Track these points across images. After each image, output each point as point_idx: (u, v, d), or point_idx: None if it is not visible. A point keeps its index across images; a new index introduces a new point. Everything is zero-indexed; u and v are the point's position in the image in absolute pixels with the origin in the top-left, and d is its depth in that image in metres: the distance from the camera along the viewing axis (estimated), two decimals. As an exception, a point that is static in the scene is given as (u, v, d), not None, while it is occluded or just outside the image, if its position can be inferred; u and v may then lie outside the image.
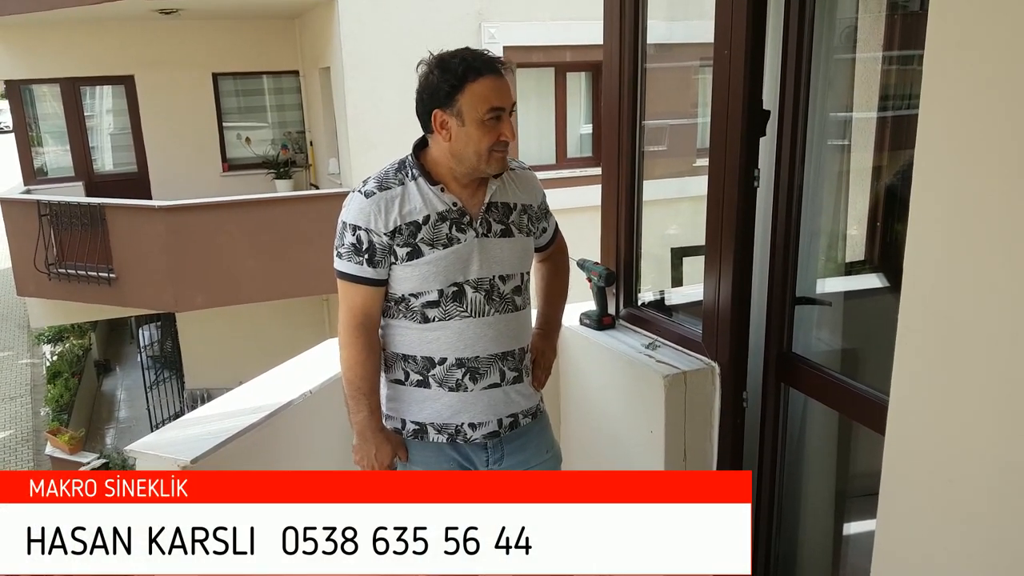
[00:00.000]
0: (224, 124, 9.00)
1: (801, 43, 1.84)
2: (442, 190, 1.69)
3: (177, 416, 10.21)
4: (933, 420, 1.35)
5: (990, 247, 1.22)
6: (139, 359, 11.92)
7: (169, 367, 11.32)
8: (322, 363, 2.25)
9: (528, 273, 1.82)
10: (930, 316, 1.34)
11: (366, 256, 1.67)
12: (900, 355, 1.40)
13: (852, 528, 2.29)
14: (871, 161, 2.21)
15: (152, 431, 10.19)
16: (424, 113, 1.66)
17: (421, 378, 1.74)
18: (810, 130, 1.91)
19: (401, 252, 1.67)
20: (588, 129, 8.26)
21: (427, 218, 1.67)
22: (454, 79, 1.61)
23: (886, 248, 2.25)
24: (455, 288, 1.69)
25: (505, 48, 7.33)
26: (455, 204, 1.69)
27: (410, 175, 1.70)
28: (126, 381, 13.23)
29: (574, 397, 2.46)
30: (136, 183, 8.83)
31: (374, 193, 1.67)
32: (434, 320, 1.71)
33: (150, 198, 8.40)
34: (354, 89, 7.21)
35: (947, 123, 1.27)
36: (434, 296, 1.69)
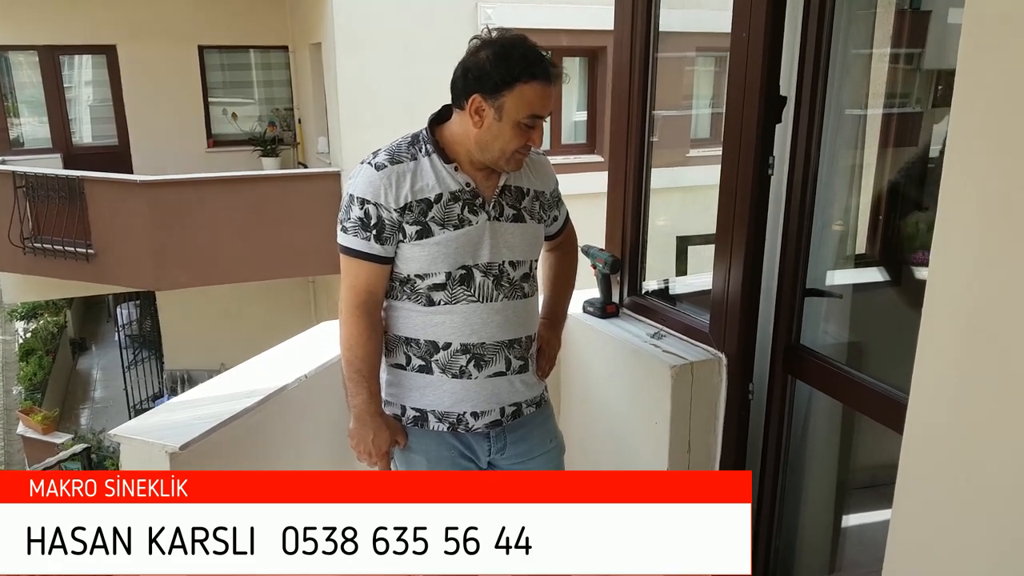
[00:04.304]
0: (210, 99, 8.80)
1: (821, 27, 1.80)
2: (456, 169, 1.62)
3: (156, 397, 10.09)
4: (954, 417, 1.31)
5: (1020, 243, 1.18)
6: (116, 338, 11.73)
7: (148, 347, 11.16)
8: (318, 346, 2.18)
9: (537, 260, 1.76)
10: (955, 313, 1.29)
11: (374, 232, 1.60)
12: (923, 351, 1.36)
13: (853, 520, 2.28)
14: (883, 153, 2.18)
15: (129, 412, 9.99)
16: (463, 91, 1.58)
17: (423, 363, 1.68)
18: (826, 119, 1.87)
19: (410, 230, 1.60)
20: (583, 116, 8.18)
21: (439, 196, 1.61)
22: (508, 74, 1.53)
23: (894, 242, 2.22)
24: (463, 271, 1.63)
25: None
26: (468, 184, 1.63)
27: (424, 150, 1.63)
28: (102, 360, 13.04)
29: (575, 386, 2.41)
30: (116, 157, 8.63)
31: (385, 166, 1.60)
32: (440, 303, 1.65)
33: (131, 172, 8.22)
34: (346, 67, 7.08)
35: (980, 117, 1.23)
36: (441, 279, 1.63)
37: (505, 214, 1.67)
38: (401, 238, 1.61)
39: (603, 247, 2.44)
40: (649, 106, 2.28)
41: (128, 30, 8.30)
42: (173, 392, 9.69)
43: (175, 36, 8.33)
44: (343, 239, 1.64)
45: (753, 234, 1.93)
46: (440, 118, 1.68)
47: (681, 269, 2.77)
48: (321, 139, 8.29)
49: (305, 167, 8.69)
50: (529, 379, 1.76)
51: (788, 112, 1.88)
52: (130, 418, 9.67)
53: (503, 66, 1.53)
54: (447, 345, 1.66)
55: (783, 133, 1.90)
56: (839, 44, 1.83)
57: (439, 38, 7.29)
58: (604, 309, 2.37)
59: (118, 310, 12.12)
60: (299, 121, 9.05)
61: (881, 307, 2.19)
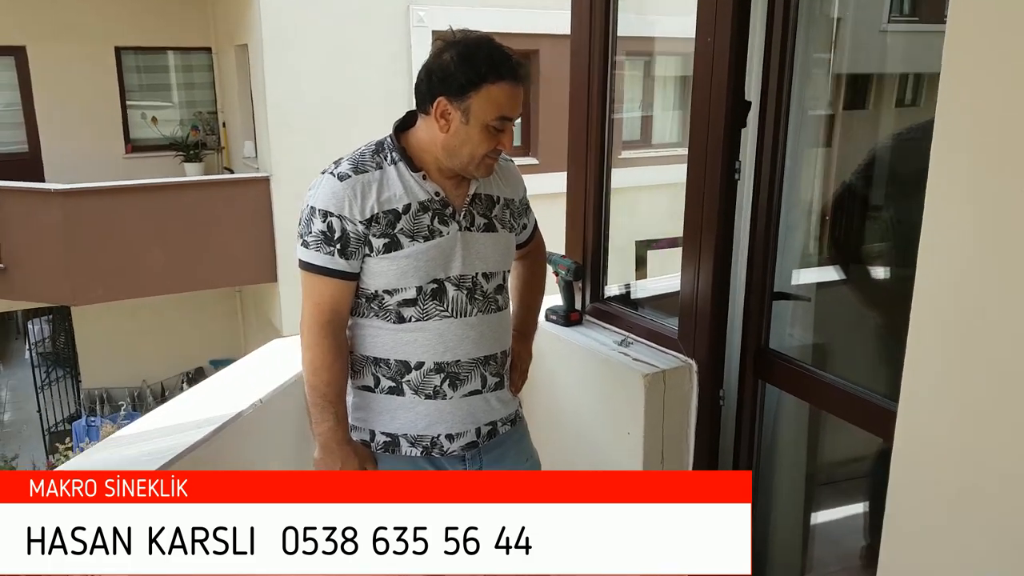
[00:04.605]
0: (128, 102, 8.35)
1: (786, 31, 1.79)
2: (424, 178, 1.54)
3: (73, 418, 9.51)
4: (947, 425, 1.30)
5: (1008, 245, 1.18)
6: (28, 356, 11.04)
7: (62, 365, 10.52)
8: (271, 367, 2.05)
9: (509, 271, 1.69)
10: (945, 317, 1.29)
11: (338, 246, 1.50)
12: (912, 357, 1.35)
13: (819, 518, 2.29)
14: (842, 156, 2.20)
15: (44, 435, 9.32)
16: (427, 94, 1.50)
17: (394, 384, 1.59)
18: (792, 123, 1.86)
19: (377, 243, 1.51)
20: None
21: (407, 207, 1.52)
22: (474, 75, 1.46)
23: (845, 242, 2.23)
24: (435, 285, 1.55)
25: (434, 32, 7.10)
26: (438, 194, 1.55)
27: (389, 159, 1.54)
28: (12, 380, 12.24)
29: (542, 397, 2.34)
30: (26, 164, 8.09)
31: (349, 176, 1.50)
32: (411, 320, 1.56)
33: (43, 181, 7.73)
34: (274, 69, 6.84)
35: (965, 119, 1.22)
36: (412, 294, 1.54)
37: (476, 224, 1.59)
38: (367, 252, 1.52)
39: (563, 253, 2.39)
40: (609, 109, 2.24)
41: (39, 30, 7.79)
42: (92, 412, 9.17)
43: (90, 37, 7.87)
44: (304, 254, 1.53)
45: (722, 240, 1.91)
46: (405, 124, 1.59)
47: (640, 274, 2.75)
48: (248, 143, 8.00)
49: (231, 172, 8.37)
50: (504, 396, 1.69)
51: (752, 117, 1.87)
52: (45, 441, 9.16)
53: (468, 67, 1.46)
54: (419, 364, 1.57)
55: (747, 138, 1.88)
56: (801, 48, 1.83)
57: (370, 40, 7.14)
58: (568, 317, 2.32)
59: (29, 326, 11.41)
60: (223, 125, 8.71)
61: (842, 307, 2.20)
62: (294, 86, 6.93)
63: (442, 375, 1.58)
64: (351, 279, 1.54)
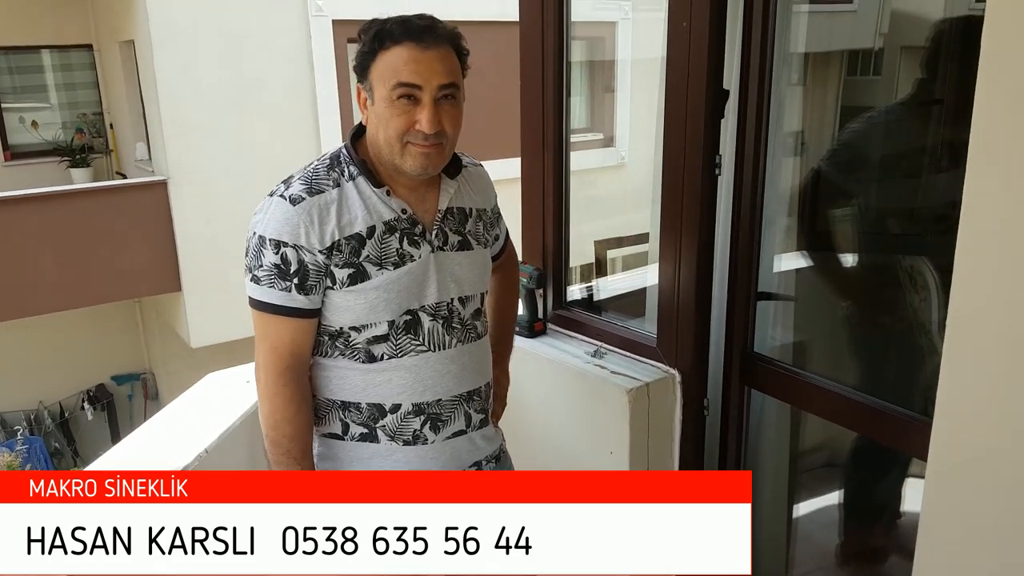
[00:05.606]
0: (3, 105, 7.57)
1: (767, 13, 1.67)
2: (388, 193, 1.33)
3: (-38, 451, 8.70)
4: (989, 438, 1.21)
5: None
6: (-97, 386, 10.02)
7: (-55, 393, 9.62)
8: (208, 409, 1.80)
9: (486, 292, 1.51)
10: (987, 319, 1.19)
11: (295, 280, 1.28)
12: (949, 363, 1.25)
13: (803, 520, 2.24)
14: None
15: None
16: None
17: (367, 430, 1.39)
18: (773, 112, 1.75)
19: (341, 274, 1.30)
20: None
21: (372, 230, 1.31)
22: (368, 46, 1.28)
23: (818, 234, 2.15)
24: (408, 317, 1.35)
25: (335, 22, 6.72)
26: (404, 211, 1.34)
27: (347, 174, 1.32)
28: None
29: (508, 418, 2.17)
30: None
31: (303, 198, 1.28)
32: (383, 358, 1.36)
33: (-93, 196, 6.94)
34: (165, 65, 6.31)
35: (1007, 109, 1.12)
36: (383, 329, 1.34)
37: (450, 242, 1.40)
38: (329, 285, 1.31)
39: (522, 259, 2.22)
40: (566, 97, 2.07)
41: None
42: (-16, 443, 8.43)
43: (-47, 36, 7.09)
44: (256, 292, 1.30)
45: (704, 241, 1.78)
46: (361, 131, 1.38)
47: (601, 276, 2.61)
48: (140, 145, 7.40)
49: (124, 177, 7.76)
50: (489, 432, 1.52)
51: (731, 107, 1.74)
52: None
53: (365, 39, 1.29)
54: (396, 407, 1.37)
55: (725, 129, 1.76)
56: (782, 30, 1.71)
57: (267, 30, 6.72)
58: (532, 327, 2.16)
59: (-99, 355, 10.36)
60: (111, 127, 8.04)
61: (821, 303, 2.13)
62: (188, 83, 6.43)
63: (422, 417, 1.39)
64: (312, 316, 1.33)
